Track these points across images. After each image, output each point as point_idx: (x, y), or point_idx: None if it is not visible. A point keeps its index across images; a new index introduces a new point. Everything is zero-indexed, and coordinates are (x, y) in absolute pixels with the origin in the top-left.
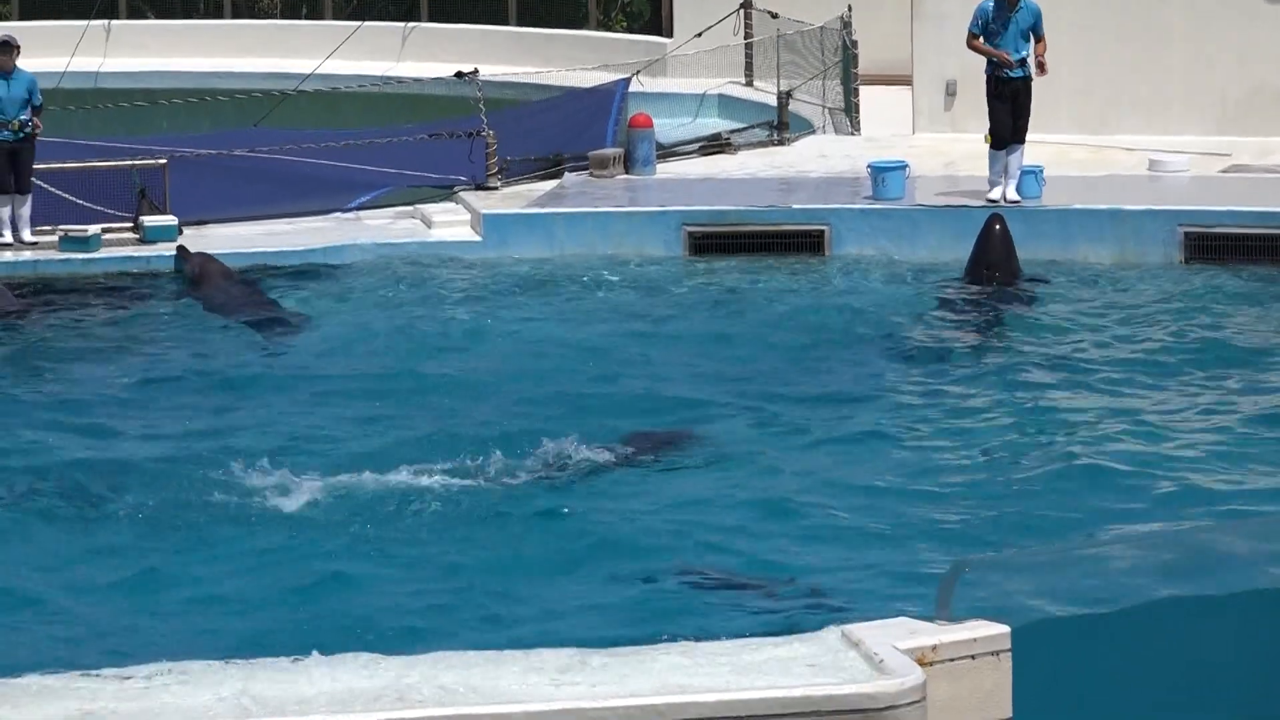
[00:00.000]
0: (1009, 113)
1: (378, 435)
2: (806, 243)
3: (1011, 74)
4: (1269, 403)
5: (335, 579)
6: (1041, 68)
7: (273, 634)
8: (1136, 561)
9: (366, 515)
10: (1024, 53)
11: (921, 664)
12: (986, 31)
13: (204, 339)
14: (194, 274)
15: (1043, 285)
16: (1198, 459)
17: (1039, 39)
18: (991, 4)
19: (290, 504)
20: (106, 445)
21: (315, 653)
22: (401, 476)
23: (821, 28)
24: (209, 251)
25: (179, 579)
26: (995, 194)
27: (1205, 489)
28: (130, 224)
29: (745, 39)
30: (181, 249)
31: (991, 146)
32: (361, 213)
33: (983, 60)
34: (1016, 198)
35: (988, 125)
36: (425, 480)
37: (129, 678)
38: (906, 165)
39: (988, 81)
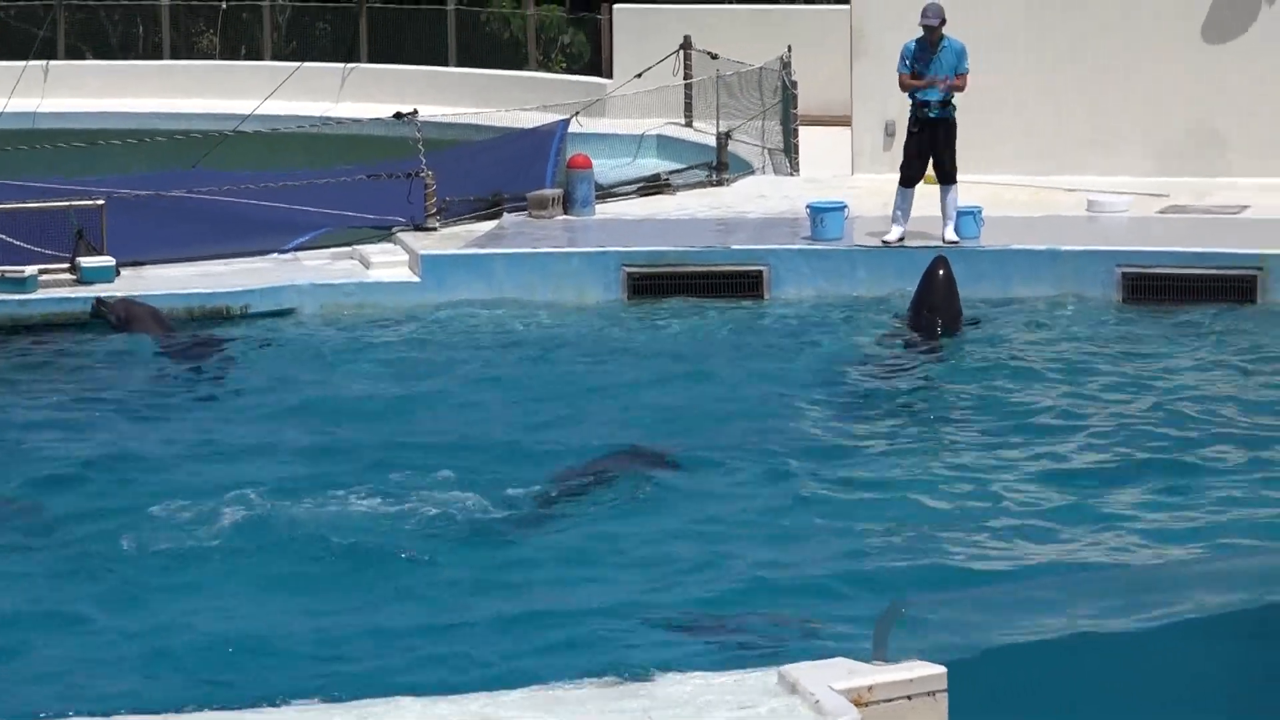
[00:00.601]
0: (924, 154)
1: (315, 475)
2: (745, 283)
3: (931, 114)
4: (1205, 443)
5: (258, 619)
6: (950, 88)
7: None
8: (1072, 600)
9: (302, 553)
10: (946, 93)
11: (858, 704)
12: (912, 70)
13: (140, 379)
14: (120, 320)
15: (984, 328)
16: (1134, 499)
17: (960, 76)
18: (914, 43)
19: (226, 543)
20: (37, 485)
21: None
22: (337, 514)
23: (761, 68)
24: (141, 294)
25: (98, 622)
26: (892, 235)
27: (1142, 529)
28: (67, 265)
29: (685, 80)
30: (98, 301)
31: (900, 184)
32: (299, 253)
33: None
34: (955, 238)
35: (928, 167)
36: (362, 519)
37: None
38: (845, 206)
39: (910, 120)
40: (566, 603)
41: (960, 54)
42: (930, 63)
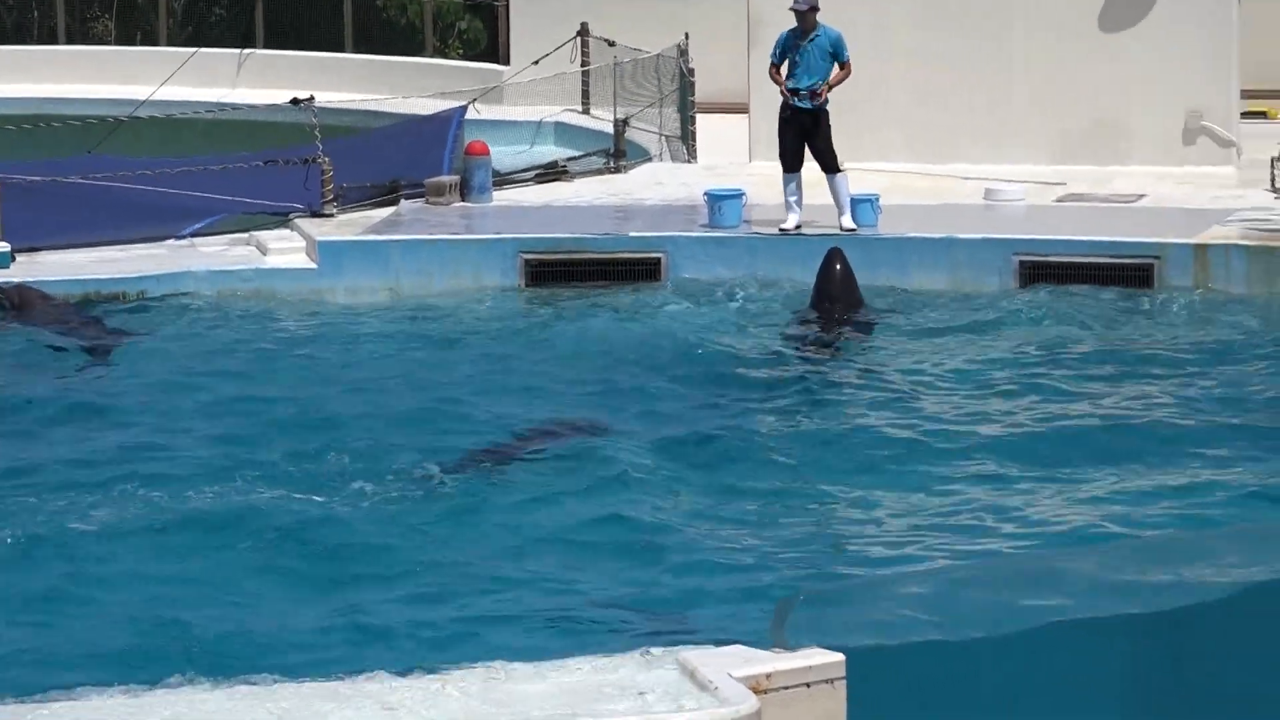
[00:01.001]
0: (797, 139)
1: (216, 458)
2: (643, 270)
3: (800, 103)
4: (1100, 431)
5: (173, 603)
6: (818, 94)
7: (122, 659)
8: (973, 588)
9: (205, 539)
10: (819, 82)
11: (757, 691)
12: (785, 60)
13: (37, 365)
14: (14, 304)
15: (883, 316)
16: (1032, 484)
17: (842, 65)
18: (786, 33)
19: (131, 527)
20: None
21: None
22: (239, 498)
23: (658, 55)
24: (37, 280)
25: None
26: (789, 223)
27: (1041, 516)
28: None
29: (582, 66)
30: None
31: (783, 170)
32: (196, 240)
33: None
34: (853, 226)
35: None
36: (263, 503)
37: None
38: (743, 193)
39: (780, 106)
40: (460, 587)
41: (836, 43)
42: (801, 51)
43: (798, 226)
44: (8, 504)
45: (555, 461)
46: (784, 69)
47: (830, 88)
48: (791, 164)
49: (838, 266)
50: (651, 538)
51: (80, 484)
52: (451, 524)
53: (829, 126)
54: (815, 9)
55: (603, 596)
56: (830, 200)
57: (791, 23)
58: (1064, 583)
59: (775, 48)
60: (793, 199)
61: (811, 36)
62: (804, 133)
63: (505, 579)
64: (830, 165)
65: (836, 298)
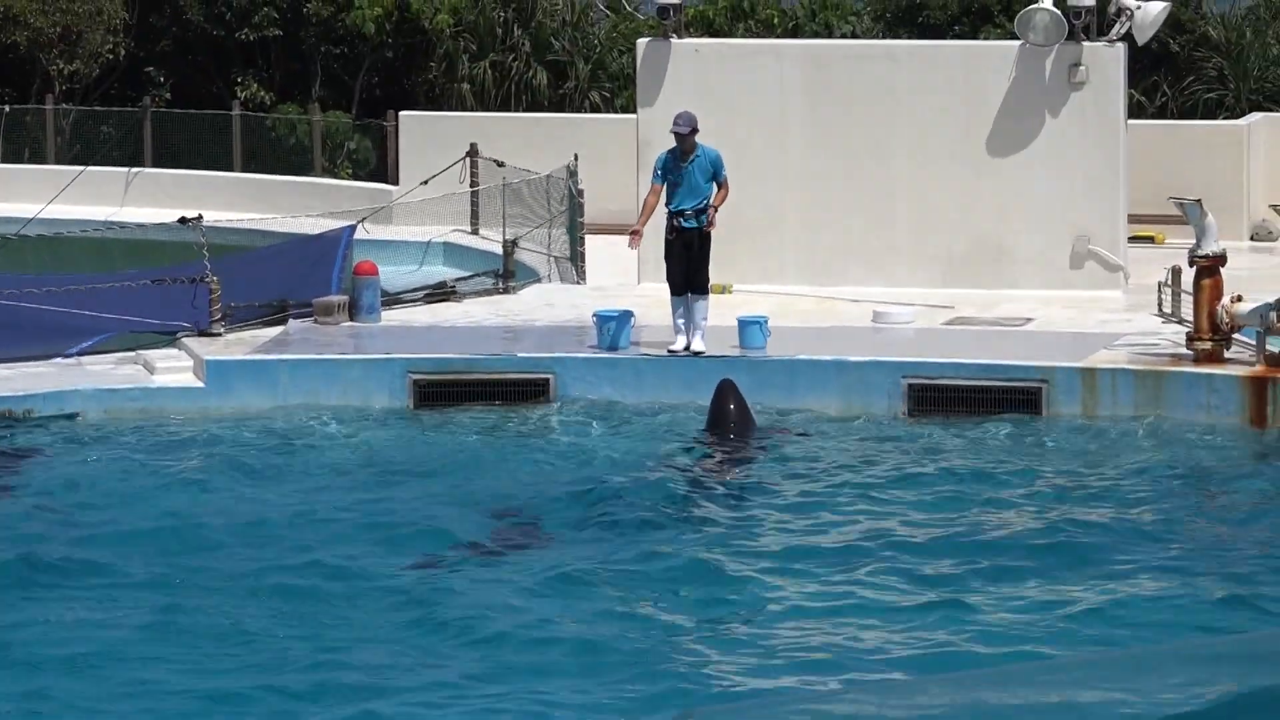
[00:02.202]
0: (683, 262)
1: (93, 582)
2: (532, 391)
3: (685, 224)
4: (987, 554)
5: None
6: (711, 221)
7: None
8: (865, 711)
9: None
10: (702, 202)
11: None
12: (666, 181)
13: None
14: None
15: (774, 440)
16: (923, 609)
17: (720, 186)
18: (666, 154)
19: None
20: None
21: None
22: (110, 621)
23: (548, 176)
24: None
25: None
26: (678, 344)
27: (933, 636)
28: None
29: (471, 187)
30: None
31: (671, 293)
32: (83, 358)
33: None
34: (701, 348)
35: (713, 275)
36: (137, 623)
37: None
38: (632, 314)
39: (666, 228)
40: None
41: (715, 163)
42: (683, 173)
43: (686, 348)
44: None
45: (449, 589)
46: (664, 190)
47: (716, 210)
48: (680, 286)
49: (731, 396)
50: (532, 664)
51: None
52: (327, 644)
53: (709, 248)
54: (695, 130)
55: (488, 703)
56: (720, 321)
57: (670, 143)
58: (968, 710)
59: (656, 168)
60: (681, 321)
61: (692, 158)
62: (689, 252)
63: (407, 680)
64: (701, 286)
65: (730, 425)
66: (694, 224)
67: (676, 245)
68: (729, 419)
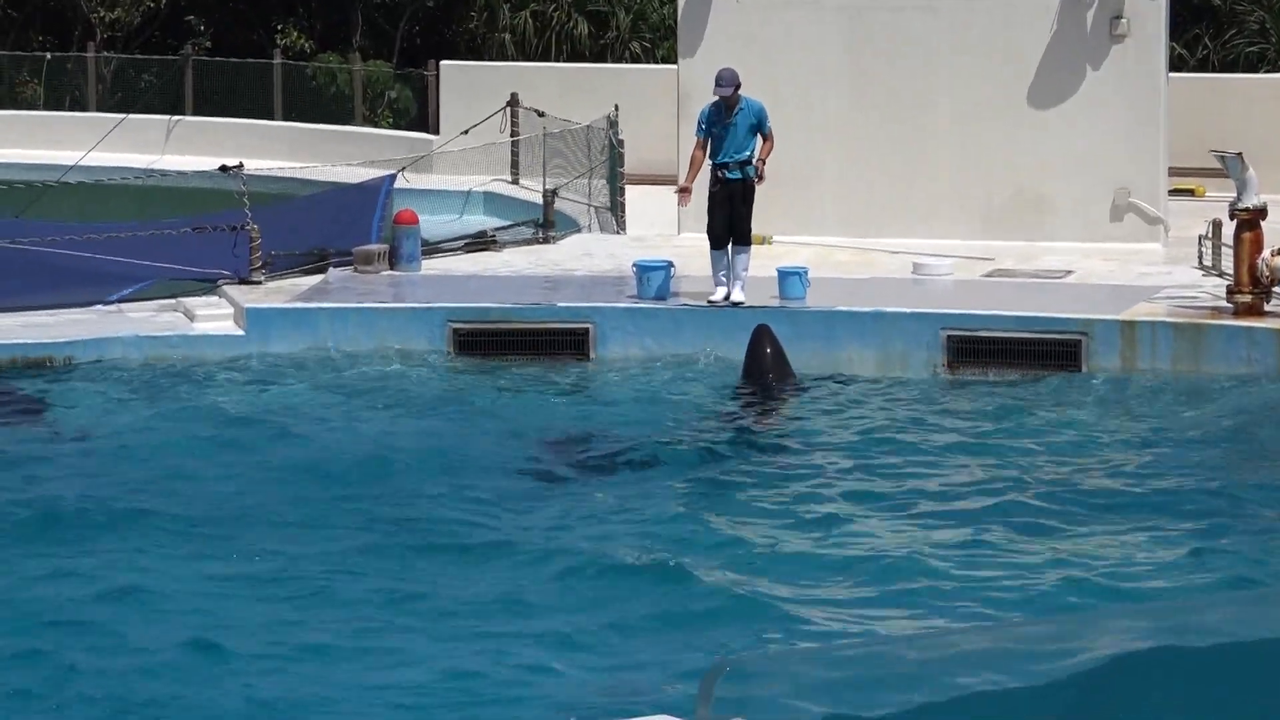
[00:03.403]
0: (726, 214)
1: (143, 526)
2: (571, 341)
3: (730, 175)
4: (1026, 505)
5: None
6: (760, 174)
7: None
8: (904, 662)
9: (132, 602)
10: (747, 153)
11: None
12: (710, 135)
13: None
14: None
15: (815, 390)
16: (966, 555)
17: (765, 138)
18: (710, 108)
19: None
20: None
21: None
22: (161, 571)
23: (588, 127)
24: None
25: None
26: (718, 295)
27: (976, 587)
28: None
29: (511, 137)
30: None
31: (711, 247)
32: (124, 305)
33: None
34: (741, 299)
35: (754, 226)
36: (176, 571)
37: None
38: (671, 265)
39: (710, 180)
40: (378, 645)
41: (759, 115)
42: (727, 127)
43: (726, 298)
44: None
45: (494, 527)
46: (708, 144)
47: (764, 163)
48: (721, 238)
49: (767, 341)
50: (575, 611)
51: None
52: (370, 596)
53: (753, 199)
54: (739, 86)
55: (529, 662)
56: (760, 273)
57: (711, 95)
58: (1002, 656)
59: (700, 121)
60: (721, 273)
61: (737, 110)
62: (732, 205)
63: (439, 641)
64: (744, 237)
65: (767, 371)
66: (738, 175)
67: (720, 197)
68: (765, 365)
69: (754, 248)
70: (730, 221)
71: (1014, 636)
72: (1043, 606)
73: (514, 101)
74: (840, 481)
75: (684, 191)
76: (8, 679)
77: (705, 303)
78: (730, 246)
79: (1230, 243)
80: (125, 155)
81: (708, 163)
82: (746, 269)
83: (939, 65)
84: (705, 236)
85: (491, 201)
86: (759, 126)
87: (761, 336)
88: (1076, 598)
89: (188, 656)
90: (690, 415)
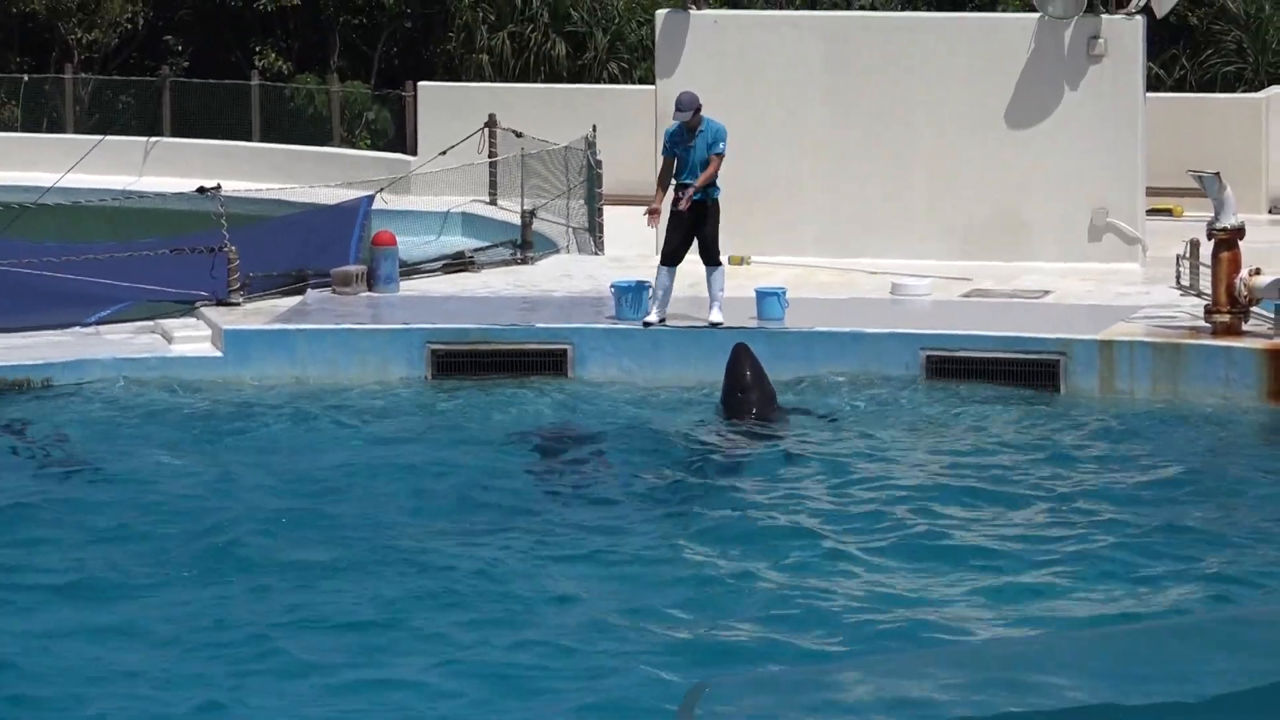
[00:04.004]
0: (683, 234)
1: (109, 551)
2: (549, 362)
3: (693, 197)
4: (1006, 528)
5: None
6: (684, 199)
7: None
8: (883, 685)
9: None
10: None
11: None
12: (674, 155)
13: None
14: None
15: (797, 412)
16: (943, 576)
17: (714, 157)
18: (674, 127)
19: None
20: None
21: None
22: (137, 591)
23: (566, 147)
24: None
25: None
26: (653, 316)
27: (950, 609)
28: None
29: (489, 157)
30: None
31: (660, 263)
32: (101, 327)
33: (722, 176)
34: (720, 317)
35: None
36: (143, 594)
37: None
38: (649, 286)
39: (672, 200)
40: (358, 661)
41: (716, 134)
42: (689, 149)
43: (662, 320)
44: None
45: (471, 550)
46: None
47: (697, 188)
48: (671, 256)
49: (746, 360)
50: (551, 634)
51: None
52: (348, 616)
53: (718, 218)
54: (699, 109)
55: (510, 691)
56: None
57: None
58: (969, 678)
59: (665, 142)
60: (661, 291)
61: (698, 132)
62: (693, 226)
63: (432, 658)
64: (713, 258)
65: (748, 390)
66: (700, 196)
67: (679, 216)
68: (746, 383)
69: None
70: (687, 241)
71: (995, 657)
72: (1020, 623)
73: (492, 122)
74: (824, 499)
75: (653, 212)
76: None
77: (641, 324)
78: (705, 270)
79: (1208, 262)
80: (103, 176)
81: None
82: (722, 289)
83: (918, 86)
84: (691, 259)
85: (470, 222)
86: (712, 147)
87: (740, 356)
88: (1051, 614)
89: (168, 678)
90: (669, 436)
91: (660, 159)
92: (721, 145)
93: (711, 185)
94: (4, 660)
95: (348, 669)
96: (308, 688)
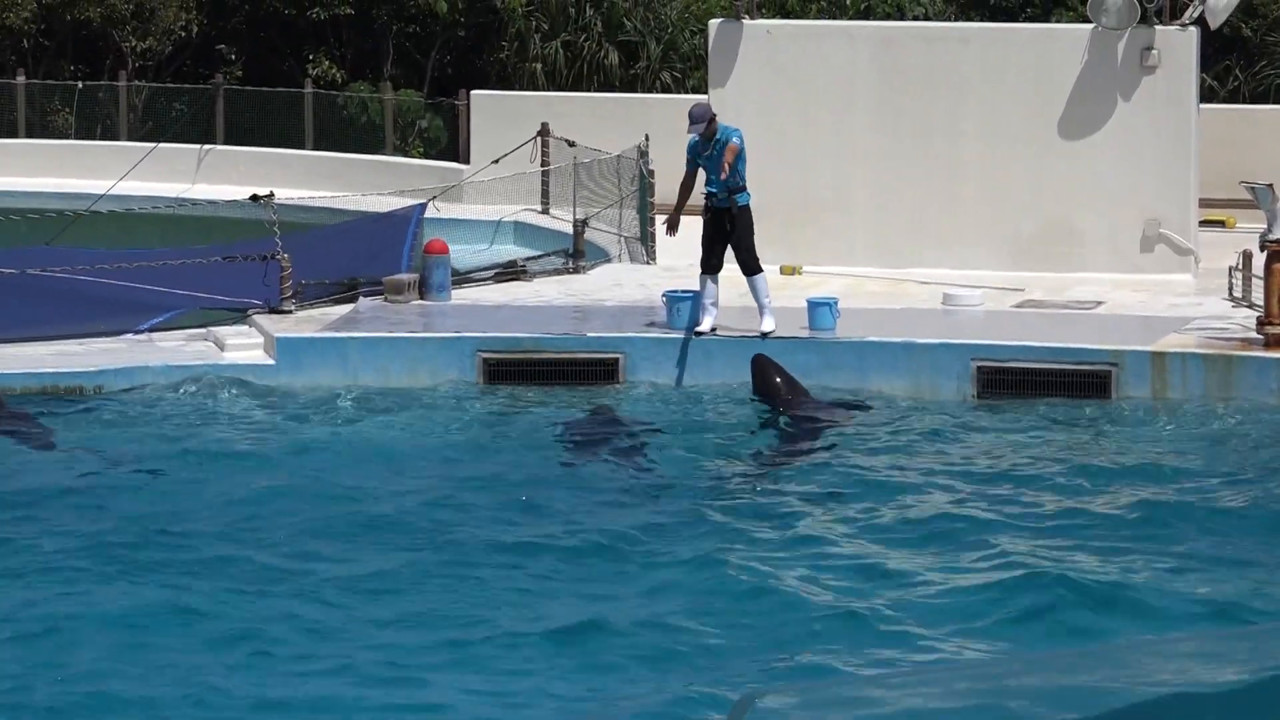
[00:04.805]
0: (715, 241)
1: (160, 555)
2: (601, 371)
3: (716, 204)
4: (1058, 539)
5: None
6: (732, 190)
7: None
8: (935, 696)
9: (149, 632)
10: (729, 180)
11: None
12: (696, 164)
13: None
14: None
15: (843, 417)
16: (997, 588)
17: (730, 146)
18: (695, 137)
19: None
20: None
21: None
22: (187, 597)
23: (618, 156)
24: None
25: None
26: (704, 325)
27: (1004, 619)
28: None
29: (542, 167)
30: None
31: (700, 272)
32: (154, 334)
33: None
34: (771, 325)
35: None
36: (200, 600)
37: None
38: (701, 295)
39: (703, 209)
40: (404, 673)
41: (727, 132)
42: (709, 158)
43: (713, 329)
44: None
45: (533, 555)
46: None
47: (730, 168)
48: (710, 266)
49: (772, 369)
50: (603, 639)
51: (35, 581)
52: (403, 621)
53: (749, 226)
54: (712, 119)
55: (559, 687)
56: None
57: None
58: (1023, 690)
59: (688, 154)
60: (709, 301)
61: (715, 140)
62: (723, 233)
63: (480, 670)
64: (750, 266)
65: (783, 398)
66: (725, 204)
67: (709, 225)
68: (779, 391)
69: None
70: (720, 250)
71: (1063, 666)
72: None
73: (544, 131)
74: (872, 509)
75: (671, 225)
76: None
77: (693, 334)
78: (745, 279)
79: (1261, 274)
80: (156, 184)
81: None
82: (768, 296)
83: (969, 97)
84: (734, 266)
85: (521, 231)
86: (725, 142)
87: (765, 367)
88: (1112, 625)
89: (229, 682)
90: (718, 443)
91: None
92: (735, 139)
93: (738, 191)
94: (79, 669)
95: (400, 671)
96: (352, 692)
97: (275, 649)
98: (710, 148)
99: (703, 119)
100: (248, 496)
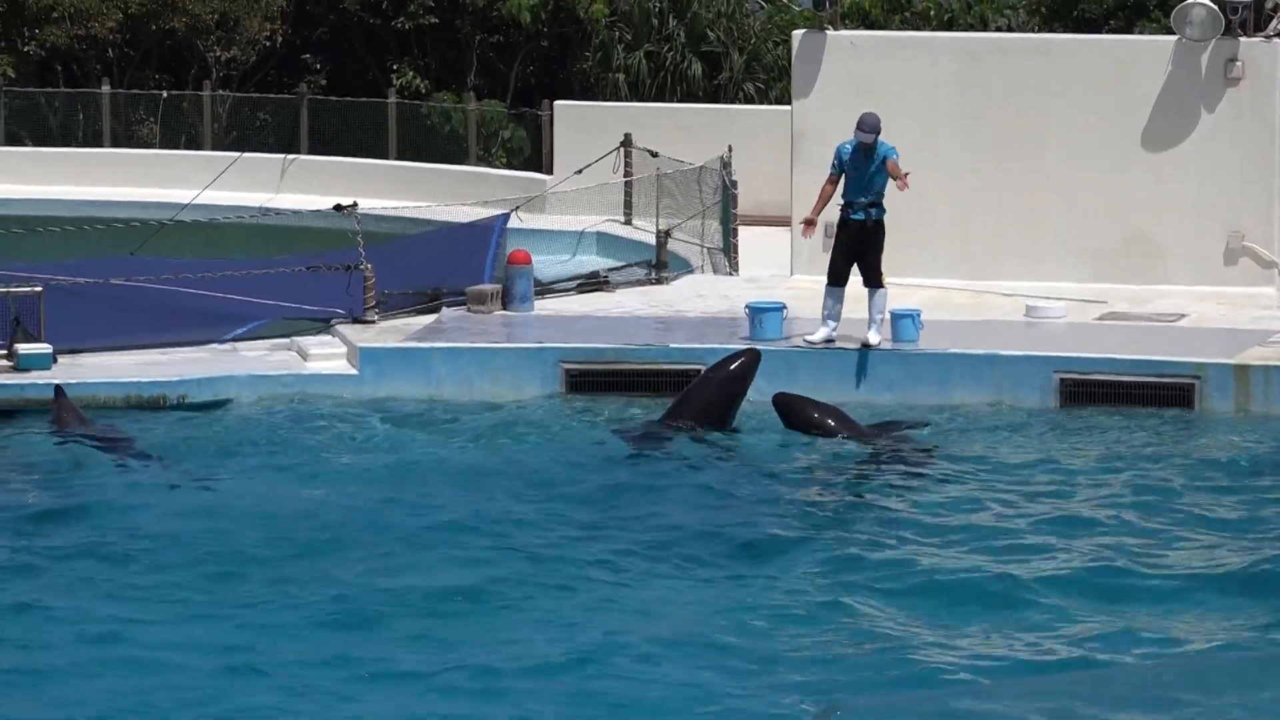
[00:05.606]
0: (847, 253)
1: (243, 567)
2: (683, 382)
3: (854, 215)
4: (1143, 554)
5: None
6: (902, 179)
7: None
8: (1018, 709)
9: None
10: (874, 196)
11: None
12: (843, 173)
13: (78, 470)
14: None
15: (901, 435)
16: (1071, 603)
17: (893, 161)
18: (849, 147)
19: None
20: None
21: None
22: (263, 608)
23: (701, 167)
24: (79, 382)
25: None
26: (817, 336)
27: (1081, 634)
28: (3, 351)
29: (625, 177)
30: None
31: (827, 283)
32: (237, 344)
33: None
34: (877, 339)
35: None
36: (281, 609)
37: None
38: (784, 307)
39: (838, 220)
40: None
41: (888, 149)
42: (860, 169)
43: (828, 340)
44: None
45: (604, 569)
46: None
47: (900, 177)
48: (838, 277)
49: (802, 405)
50: (681, 652)
51: (115, 592)
52: (466, 621)
53: (882, 240)
54: (879, 133)
55: (634, 704)
56: (862, 314)
57: (844, 137)
58: (1104, 704)
59: (835, 160)
60: (828, 312)
61: (871, 154)
62: (856, 246)
63: (554, 683)
64: (875, 280)
65: (830, 427)
66: (862, 216)
67: (843, 236)
68: (824, 425)
69: (862, 290)
70: (850, 261)
71: (1160, 679)
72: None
73: (627, 142)
74: (954, 524)
75: (809, 224)
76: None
77: (803, 341)
78: (866, 291)
79: None
80: (240, 194)
81: (837, 200)
82: (882, 311)
83: (1052, 108)
84: (819, 279)
85: (604, 242)
86: (888, 155)
87: (790, 404)
88: (1202, 641)
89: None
90: (798, 457)
91: (828, 173)
92: (894, 155)
93: (876, 206)
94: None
95: (494, 681)
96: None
97: (372, 661)
98: (868, 160)
99: (874, 129)
100: (331, 508)
